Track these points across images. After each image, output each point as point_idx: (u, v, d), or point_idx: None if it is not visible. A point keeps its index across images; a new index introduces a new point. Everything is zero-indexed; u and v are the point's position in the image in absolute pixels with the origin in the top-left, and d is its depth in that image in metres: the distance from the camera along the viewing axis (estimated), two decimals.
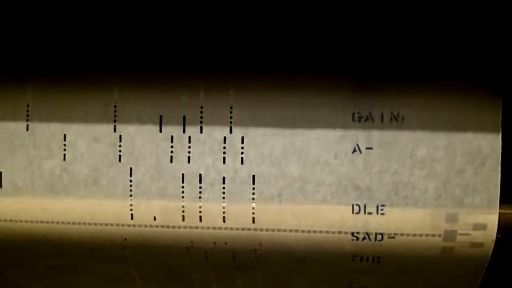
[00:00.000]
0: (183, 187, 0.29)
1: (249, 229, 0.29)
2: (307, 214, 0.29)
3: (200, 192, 0.29)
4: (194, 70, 0.29)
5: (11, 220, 0.30)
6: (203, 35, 0.29)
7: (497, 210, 0.28)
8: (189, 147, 0.29)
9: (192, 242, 0.30)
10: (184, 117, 0.29)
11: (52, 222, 0.30)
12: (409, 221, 0.29)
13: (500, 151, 0.28)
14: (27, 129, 0.30)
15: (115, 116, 0.29)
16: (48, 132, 0.30)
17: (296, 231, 0.29)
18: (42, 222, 0.30)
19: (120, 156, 0.29)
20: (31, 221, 0.30)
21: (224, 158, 0.29)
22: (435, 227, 0.28)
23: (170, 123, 0.29)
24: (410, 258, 0.29)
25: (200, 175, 0.29)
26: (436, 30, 0.28)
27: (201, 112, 0.29)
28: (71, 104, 0.29)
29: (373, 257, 0.29)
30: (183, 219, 0.30)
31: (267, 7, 0.29)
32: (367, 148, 0.29)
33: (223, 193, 0.29)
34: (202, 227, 0.30)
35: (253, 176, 0.29)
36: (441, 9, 0.28)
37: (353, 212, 0.29)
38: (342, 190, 0.29)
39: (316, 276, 0.31)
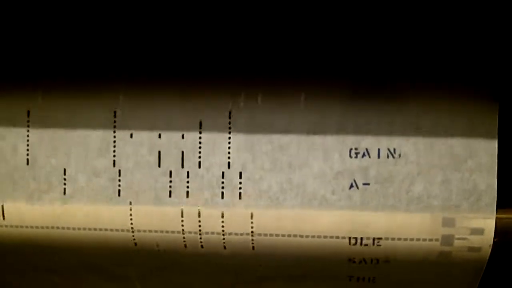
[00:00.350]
0: (182, 220, 0.30)
1: (250, 255, 0.30)
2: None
3: (199, 226, 0.30)
4: (192, 103, 0.29)
5: (15, 251, 0.31)
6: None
7: (494, 215, 0.29)
8: (187, 181, 0.29)
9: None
10: (182, 152, 0.29)
11: (54, 253, 0.31)
12: (407, 225, 0.29)
13: (497, 156, 0.28)
14: (27, 163, 0.30)
15: (114, 153, 0.30)
16: (48, 166, 0.30)
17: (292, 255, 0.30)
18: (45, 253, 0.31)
19: (119, 190, 0.30)
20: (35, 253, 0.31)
21: (222, 193, 0.29)
22: (432, 232, 0.29)
23: (169, 158, 0.29)
24: (408, 262, 0.29)
25: (199, 210, 0.30)
26: (433, 37, 0.29)
27: (200, 148, 0.29)
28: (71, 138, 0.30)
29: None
30: (185, 247, 0.30)
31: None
32: (364, 184, 0.29)
33: (222, 226, 0.30)
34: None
35: (251, 213, 0.29)
36: (437, 19, 0.29)
37: (349, 244, 0.29)
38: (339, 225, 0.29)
39: (314, 280, 0.31)
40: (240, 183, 0.29)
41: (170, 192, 0.29)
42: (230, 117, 0.29)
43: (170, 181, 0.29)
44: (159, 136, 0.29)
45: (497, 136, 0.28)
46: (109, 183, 0.29)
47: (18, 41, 0.30)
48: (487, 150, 0.28)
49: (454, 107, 0.29)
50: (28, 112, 0.30)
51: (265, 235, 0.30)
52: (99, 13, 0.30)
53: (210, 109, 0.29)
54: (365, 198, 0.29)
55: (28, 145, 0.30)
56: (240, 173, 0.29)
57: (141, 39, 0.29)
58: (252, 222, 0.29)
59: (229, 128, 0.29)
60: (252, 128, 0.29)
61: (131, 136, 0.29)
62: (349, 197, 0.29)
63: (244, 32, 0.29)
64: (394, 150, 0.29)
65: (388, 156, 0.29)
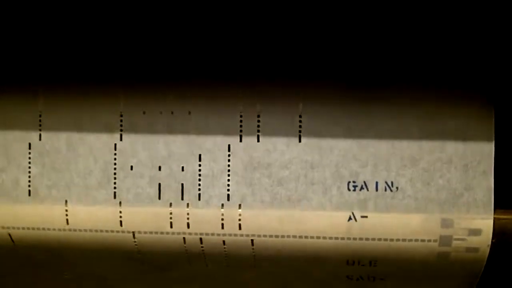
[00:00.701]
0: (186, 249, 0.30)
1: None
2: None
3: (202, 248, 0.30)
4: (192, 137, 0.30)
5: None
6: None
7: (492, 215, 0.29)
8: (188, 213, 0.30)
9: None
10: (182, 185, 0.30)
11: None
12: (405, 226, 0.29)
13: (493, 158, 0.29)
14: (29, 195, 0.30)
15: (115, 189, 0.30)
16: (49, 198, 0.30)
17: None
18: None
19: (121, 221, 0.30)
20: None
21: (222, 224, 0.30)
22: (430, 233, 0.29)
23: (169, 191, 0.30)
24: (406, 263, 0.30)
25: (201, 238, 0.30)
26: (428, 41, 0.29)
27: (199, 180, 0.30)
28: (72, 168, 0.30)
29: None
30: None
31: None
32: (362, 217, 0.29)
33: (225, 251, 0.30)
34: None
35: (252, 240, 0.30)
36: (432, 24, 0.29)
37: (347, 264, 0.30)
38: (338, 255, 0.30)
39: (311, 280, 0.31)
40: (240, 214, 0.29)
41: (171, 223, 0.30)
42: (229, 150, 0.29)
43: (171, 213, 0.30)
44: (159, 168, 0.29)
45: (494, 138, 0.29)
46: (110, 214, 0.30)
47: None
48: (484, 151, 0.29)
49: (451, 110, 0.29)
50: (30, 144, 0.30)
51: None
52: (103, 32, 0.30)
53: (210, 143, 0.29)
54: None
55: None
56: (240, 205, 0.29)
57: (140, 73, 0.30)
58: (253, 249, 0.30)
59: (229, 161, 0.29)
60: (251, 163, 0.29)
61: (131, 168, 0.30)
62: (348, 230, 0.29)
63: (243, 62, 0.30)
64: (392, 183, 0.29)
65: (386, 190, 0.29)
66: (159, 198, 0.30)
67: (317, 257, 0.30)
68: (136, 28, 0.30)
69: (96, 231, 0.30)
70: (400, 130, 0.29)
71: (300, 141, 0.29)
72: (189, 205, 0.29)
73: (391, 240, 0.29)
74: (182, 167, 0.29)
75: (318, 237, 0.29)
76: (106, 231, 0.30)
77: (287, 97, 0.29)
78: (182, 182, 0.29)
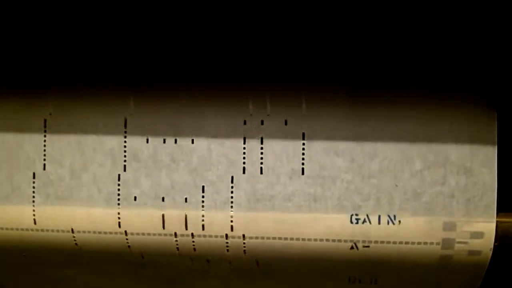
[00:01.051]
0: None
1: None
2: None
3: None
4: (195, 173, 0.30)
5: None
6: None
7: (495, 219, 0.29)
8: (193, 242, 0.30)
9: None
10: (185, 216, 0.30)
11: None
12: (408, 229, 0.29)
13: (496, 161, 0.29)
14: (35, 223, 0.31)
15: (119, 227, 0.30)
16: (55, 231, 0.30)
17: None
18: None
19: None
20: None
21: (227, 249, 0.30)
22: (433, 236, 0.29)
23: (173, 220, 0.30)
24: (409, 266, 0.30)
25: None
26: (430, 44, 0.29)
27: (203, 210, 0.30)
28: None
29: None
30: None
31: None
32: (364, 247, 0.29)
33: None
34: None
35: (257, 261, 0.30)
36: (434, 27, 0.29)
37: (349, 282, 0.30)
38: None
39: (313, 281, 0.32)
40: (244, 243, 0.30)
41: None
42: (232, 182, 0.30)
43: (176, 241, 0.30)
44: (163, 199, 0.30)
45: (496, 141, 0.29)
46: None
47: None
48: (487, 155, 0.29)
49: (454, 113, 0.29)
50: (34, 186, 0.30)
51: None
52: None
53: (214, 177, 0.30)
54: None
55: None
56: (244, 235, 0.30)
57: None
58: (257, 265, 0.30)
59: (231, 197, 0.30)
60: (254, 199, 0.30)
61: (135, 199, 0.30)
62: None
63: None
64: (395, 216, 0.29)
65: (388, 223, 0.29)
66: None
67: (319, 261, 0.30)
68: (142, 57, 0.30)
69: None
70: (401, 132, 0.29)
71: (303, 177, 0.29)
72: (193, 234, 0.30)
73: (394, 243, 0.29)
74: (186, 198, 0.30)
75: (321, 240, 0.30)
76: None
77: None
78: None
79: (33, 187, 0.30)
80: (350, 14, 0.29)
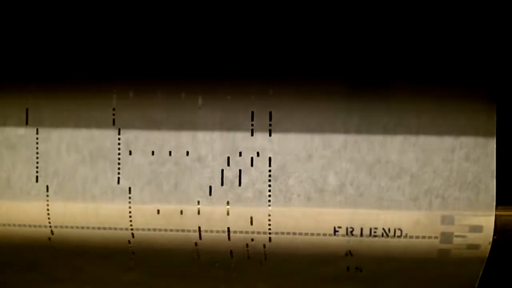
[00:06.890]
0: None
1: None
2: None
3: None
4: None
5: None
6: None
7: (493, 212, 0.29)
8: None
9: None
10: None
11: None
12: (406, 223, 0.29)
13: (495, 155, 0.29)
14: None
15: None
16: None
17: None
18: None
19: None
20: None
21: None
22: (431, 229, 0.29)
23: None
24: (408, 260, 0.30)
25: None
26: (430, 38, 0.29)
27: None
28: None
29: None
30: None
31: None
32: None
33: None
34: None
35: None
36: (434, 21, 0.29)
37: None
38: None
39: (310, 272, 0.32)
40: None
41: None
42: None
43: None
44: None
45: (495, 135, 0.29)
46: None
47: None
48: (486, 148, 0.29)
49: (453, 107, 0.29)
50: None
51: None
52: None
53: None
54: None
55: None
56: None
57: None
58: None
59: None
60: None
61: None
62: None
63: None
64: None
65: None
66: None
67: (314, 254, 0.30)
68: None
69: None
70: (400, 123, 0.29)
71: None
72: None
73: (391, 237, 0.29)
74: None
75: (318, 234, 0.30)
76: None
77: None
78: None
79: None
80: (351, 8, 0.29)
